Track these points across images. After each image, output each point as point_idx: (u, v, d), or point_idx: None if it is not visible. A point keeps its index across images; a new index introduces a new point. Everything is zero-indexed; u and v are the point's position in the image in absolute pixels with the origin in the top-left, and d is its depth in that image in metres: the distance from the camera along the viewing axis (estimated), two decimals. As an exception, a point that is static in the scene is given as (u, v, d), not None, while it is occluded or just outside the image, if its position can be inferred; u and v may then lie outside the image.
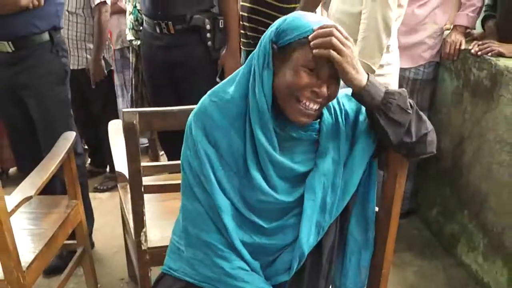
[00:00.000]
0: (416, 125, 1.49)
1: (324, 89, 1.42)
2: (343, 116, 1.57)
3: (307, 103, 1.43)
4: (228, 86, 1.54)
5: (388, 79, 2.68)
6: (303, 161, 1.54)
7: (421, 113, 1.52)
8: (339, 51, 1.38)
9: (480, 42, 2.90)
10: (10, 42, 2.76)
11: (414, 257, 3.16)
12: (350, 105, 1.59)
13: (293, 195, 1.54)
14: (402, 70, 3.18)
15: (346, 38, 1.40)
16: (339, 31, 1.40)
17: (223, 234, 1.53)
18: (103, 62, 3.77)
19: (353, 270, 1.66)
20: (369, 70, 2.45)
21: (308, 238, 1.54)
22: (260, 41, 1.49)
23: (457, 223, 3.09)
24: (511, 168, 2.56)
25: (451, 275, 2.99)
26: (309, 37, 1.40)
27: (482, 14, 3.25)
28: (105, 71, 3.80)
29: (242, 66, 1.53)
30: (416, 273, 3.01)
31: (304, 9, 3.19)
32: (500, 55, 2.76)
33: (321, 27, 1.40)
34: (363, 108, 1.53)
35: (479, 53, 2.84)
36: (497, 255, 2.69)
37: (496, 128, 2.67)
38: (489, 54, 2.80)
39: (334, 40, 1.37)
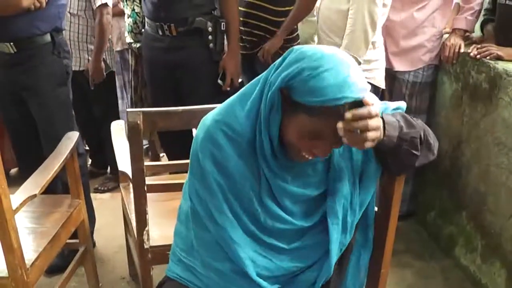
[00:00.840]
0: (422, 159, 1.50)
1: (327, 152, 1.40)
2: None
3: (311, 157, 1.41)
4: (235, 109, 1.46)
5: (375, 73, 2.88)
6: (315, 184, 1.52)
7: (430, 137, 1.51)
8: (374, 139, 1.34)
9: (479, 46, 2.93)
10: (11, 44, 2.78)
11: (412, 258, 3.18)
12: None
13: (311, 219, 1.54)
14: (401, 73, 3.22)
15: (376, 115, 1.33)
16: (374, 115, 1.32)
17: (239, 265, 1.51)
18: (103, 64, 3.79)
19: (353, 269, 1.67)
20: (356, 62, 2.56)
21: (335, 259, 1.56)
22: (269, 79, 1.39)
23: (455, 225, 3.12)
24: (509, 170, 2.58)
25: (449, 276, 3.01)
26: (339, 126, 1.31)
27: (481, 18, 3.27)
28: (104, 74, 3.82)
29: (254, 85, 1.44)
30: (414, 274, 3.04)
31: (297, 14, 3.25)
32: (499, 58, 2.78)
33: (356, 115, 1.30)
34: None
35: (478, 56, 2.86)
36: (495, 256, 2.72)
37: (494, 131, 2.70)
38: (488, 57, 2.82)
39: (369, 135, 1.32)
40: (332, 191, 1.52)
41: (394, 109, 1.56)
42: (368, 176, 1.55)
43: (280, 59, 1.38)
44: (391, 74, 3.23)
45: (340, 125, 1.31)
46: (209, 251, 1.53)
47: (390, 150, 1.44)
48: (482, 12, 3.27)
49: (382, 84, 2.96)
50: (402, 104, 1.59)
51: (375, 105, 1.35)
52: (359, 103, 1.30)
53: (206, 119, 1.50)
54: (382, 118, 1.40)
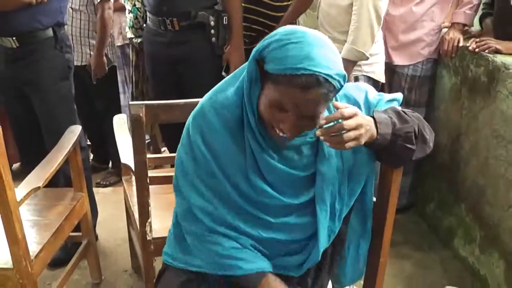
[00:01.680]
0: (418, 153, 1.53)
1: (292, 130, 1.41)
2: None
3: (280, 133, 1.43)
4: (229, 88, 1.53)
5: (374, 67, 2.93)
6: (302, 166, 1.54)
7: (425, 131, 1.54)
8: (354, 138, 1.38)
9: (477, 39, 2.95)
10: (14, 38, 2.80)
11: (411, 250, 3.21)
12: None
13: (299, 199, 1.56)
14: (401, 67, 3.25)
15: (353, 115, 1.38)
16: (347, 116, 1.36)
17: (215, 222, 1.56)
18: (105, 58, 3.81)
19: (352, 259, 1.70)
20: (363, 57, 2.72)
21: (324, 245, 1.59)
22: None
23: (454, 217, 3.15)
24: (508, 162, 2.61)
25: (448, 268, 3.04)
26: (317, 134, 1.39)
27: (479, 12, 3.29)
28: (106, 68, 3.85)
29: (245, 65, 1.50)
30: (414, 266, 3.06)
31: (296, 8, 3.27)
32: (497, 52, 2.81)
33: (329, 120, 1.37)
34: (363, 111, 1.54)
35: (476, 50, 2.88)
36: (493, 247, 2.75)
37: (493, 123, 2.72)
38: (487, 51, 2.84)
39: (347, 136, 1.36)
40: (320, 176, 1.54)
41: (389, 101, 1.58)
42: (358, 166, 1.57)
43: None
44: (390, 68, 3.26)
45: (318, 132, 1.38)
46: (187, 218, 1.60)
47: (385, 148, 1.47)
48: (481, 6, 3.29)
49: (382, 78, 2.99)
50: (398, 96, 1.62)
51: (350, 108, 1.39)
52: (321, 81, 1.31)
53: (203, 98, 1.58)
54: (374, 117, 1.44)
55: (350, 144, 1.38)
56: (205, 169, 1.52)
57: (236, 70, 1.58)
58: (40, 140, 3.01)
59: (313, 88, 1.31)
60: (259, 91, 1.42)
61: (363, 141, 1.40)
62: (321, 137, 1.40)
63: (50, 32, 2.87)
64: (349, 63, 2.72)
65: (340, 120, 1.37)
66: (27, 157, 3.17)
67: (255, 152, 1.49)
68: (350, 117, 1.37)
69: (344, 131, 1.36)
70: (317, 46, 1.33)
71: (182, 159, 1.57)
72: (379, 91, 1.73)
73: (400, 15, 3.18)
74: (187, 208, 1.58)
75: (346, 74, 1.38)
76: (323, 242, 1.57)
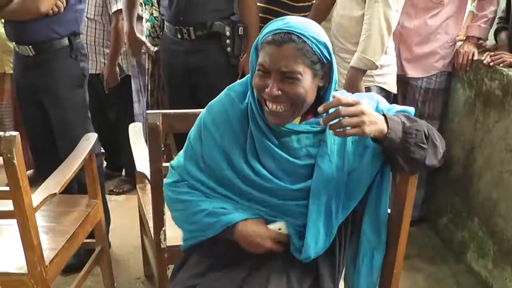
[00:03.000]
0: (431, 157, 1.54)
1: (273, 90, 1.48)
2: None
3: (269, 104, 1.51)
4: (242, 87, 1.68)
5: (387, 78, 2.92)
6: (301, 155, 1.59)
7: (435, 137, 1.56)
8: (355, 124, 1.41)
9: (492, 53, 2.96)
10: (30, 47, 2.84)
11: (424, 263, 3.20)
12: None
13: (296, 185, 1.59)
14: (415, 79, 3.25)
15: (353, 103, 1.42)
16: (344, 103, 1.41)
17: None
18: (117, 68, 3.85)
19: (366, 270, 1.70)
20: (373, 66, 2.71)
21: (316, 243, 1.60)
22: None
23: (467, 230, 3.14)
24: (521, 176, 2.61)
25: (460, 281, 3.03)
26: (322, 123, 1.48)
27: (494, 26, 3.30)
28: (119, 78, 3.88)
29: None
30: (426, 279, 3.06)
31: (314, 18, 3.28)
32: (512, 66, 2.82)
33: (326, 106, 1.44)
34: None
35: (491, 63, 2.89)
36: (506, 261, 2.74)
37: (507, 137, 2.72)
38: (501, 65, 2.85)
39: (345, 120, 1.40)
40: (318, 170, 1.57)
41: (399, 111, 1.60)
42: (361, 170, 1.58)
43: None
44: (404, 80, 3.26)
45: (320, 109, 1.45)
46: (179, 185, 1.75)
47: (398, 146, 1.48)
48: (496, 21, 3.30)
49: (394, 89, 2.99)
50: (410, 109, 1.63)
51: (350, 96, 1.48)
52: (293, 39, 1.45)
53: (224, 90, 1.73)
54: (384, 114, 1.48)
55: (352, 131, 1.41)
56: (209, 148, 1.65)
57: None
58: (55, 147, 3.03)
59: (287, 43, 1.45)
60: None
61: (367, 130, 1.42)
62: (322, 124, 1.48)
63: (66, 41, 2.91)
64: (359, 72, 2.73)
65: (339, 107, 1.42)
66: (42, 163, 3.21)
67: (255, 137, 1.58)
68: (349, 104, 1.41)
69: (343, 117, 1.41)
70: (298, 18, 1.51)
71: (190, 138, 1.73)
72: (390, 103, 1.74)
73: (415, 27, 3.19)
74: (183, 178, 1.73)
75: (332, 49, 1.52)
76: (314, 236, 1.59)
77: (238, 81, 1.71)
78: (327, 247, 1.64)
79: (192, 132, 1.73)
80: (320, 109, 1.44)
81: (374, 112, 1.46)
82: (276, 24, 1.48)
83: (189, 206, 1.69)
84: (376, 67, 2.73)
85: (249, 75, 1.61)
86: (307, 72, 1.47)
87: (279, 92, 1.47)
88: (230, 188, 1.65)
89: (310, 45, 1.45)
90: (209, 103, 1.72)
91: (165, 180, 1.80)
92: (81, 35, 3.07)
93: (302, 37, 1.44)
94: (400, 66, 3.22)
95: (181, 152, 1.77)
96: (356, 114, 1.40)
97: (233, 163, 1.61)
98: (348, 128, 1.41)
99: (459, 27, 3.27)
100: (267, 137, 1.57)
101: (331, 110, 1.43)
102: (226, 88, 1.71)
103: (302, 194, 1.59)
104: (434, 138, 1.55)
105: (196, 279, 1.69)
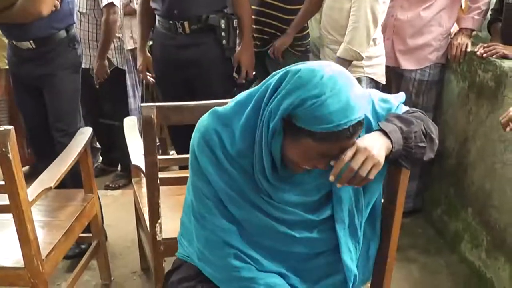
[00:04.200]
0: (429, 151, 1.55)
1: (322, 167, 1.43)
2: None
3: (305, 167, 1.44)
4: (235, 118, 1.48)
5: (376, 69, 3.04)
6: (314, 189, 1.56)
7: (430, 130, 1.56)
8: (371, 167, 1.39)
9: (485, 45, 2.97)
10: (31, 41, 2.92)
11: (418, 254, 3.22)
12: None
13: (319, 216, 1.57)
14: (408, 71, 3.27)
15: (356, 152, 1.39)
16: (348, 159, 1.38)
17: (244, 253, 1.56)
18: (106, 62, 3.85)
19: (362, 260, 1.70)
20: (359, 57, 2.86)
21: (352, 259, 1.63)
22: (268, 105, 1.39)
23: (461, 221, 3.16)
24: (514, 166, 2.63)
25: (454, 272, 3.05)
26: (331, 178, 1.41)
27: (488, 18, 3.31)
28: (108, 71, 3.88)
29: (252, 93, 1.48)
30: (421, 270, 3.08)
31: (306, 11, 3.32)
32: (505, 57, 2.83)
33: (336, 172, 1.39)
34: (373, 126, 1.53)
35: (484, 55, 2.90)
36: (499, 251, 2.76)
37: (499, 128, 2.71)
38: (494, 56, 2.86)
39: (362, 171, 1.38)
40: (336, 197, 1.56)
41: (389, 108, 1.59)
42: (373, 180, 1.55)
43: (276, 81, 1.38)
44: (398, 73, 3.28)
45: (338, 185, 1.42)
46: (209, 246, 1.57)
47: (401, 152, 1.49)
48: (489, 12, 3.31)
49: (382, 80, 3.09)
50: (402, 98, 1.64)
51: (350, 148, 1.39)
52: (362, 122, 1.35)
53: (204, 120, 1.54)
54: (382, 129, 1.45)
55: (373, 172, 1.40)
56: (222, 193, 1.51)
57: (238, 99, 1.52)
58: (51, 140, 3.09)
59: (358, 132, 1.36)
60: (281, 140, 1.40)
61: (382, 159, 1.41)
62: (339, 185, 1.43)
63: (64, 33, 3.01)
64: (345, 62, 2.84)
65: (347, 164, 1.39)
66: (41, 156, 3.28)
67: (266, 188, 1.49)
68: (354, 155, 1.38)
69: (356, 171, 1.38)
70: (349, 89, 1.32)
71: (196, 184, 1.55)
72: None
73: (408, 19, 3.20)
74: (208, 233, 1.56)
75: None
76: (349, 257, 1.61)
77: (225, 115, 1.50)
78: (358, 257, 1.67)
79: (193, 177, 1.56)
80: (331, 178, 1.41)
81: (370, 139, 1.43)
82: (335, 109, 1.29)
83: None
84: (361, 58, 2.85)
85: (241, 102, 1.50)
86: None
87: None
88: (255, 226, 1.56)
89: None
90: (197, 141, 1.51)
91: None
92: (74, 29, 3.11)
93: (365, 114, 1.37)
94: (394, 58, 3.24)
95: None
96: (365, 158, 1.38)
97: (252, 202, 1.52)
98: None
99: (453, 19, 3.28)
100: (279, 188, 1.50)
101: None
102: (212, 124, 1.50)
103: (325, 223, 1.59)
104: (430, 131, 1.55)
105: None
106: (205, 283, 1.63)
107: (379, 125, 1.48)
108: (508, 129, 2.36)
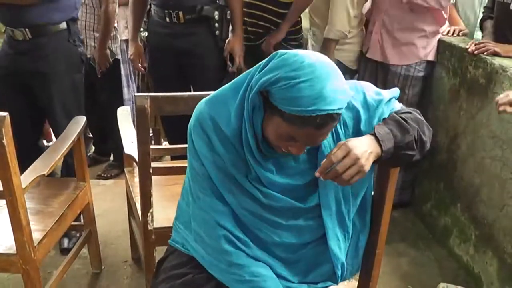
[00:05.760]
0: (418, 155, 1.56)
1: (300, 152, 1.45)
2: (341, 126, 1.57)
3: (286, 151, 1.47)
4: (228, 102, 1.52)
5: (344, 54, 3.40)
6: (300, 174, 1.58)
7: (424, 133, 1.57)
8: (356, 172, 1.40)
9: (476, 42, 3.00)
10: (27, 30, 2.83)
11: (407, 248, 3.26)
12: (347, 114, 1.57)
13: (306, 204, 1.60)
14: (395, 66, 3.27)
15: (345, 154, 1.40)
16: (335, 160, 1.39)
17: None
18: (108, 51, 3.86)
19: (351, 252, 1.72)
20: (342, 35, 3.24)
21: (339, 247, 1.64)
22: (251, 81, 1.44)
23: (450, 216, 3.20)
24: (503, 162, 2.65)
25: (443, 266, 3.09)
26: (317, 174, 1.42)
27: (480, 15, 3.34)
28: (110, 60, 3.89)
29: (245, 78, 1.50)
30: (409, 263, 3.11)
31: (298, 5, 3.39)
32: (496, 54, 2.85)
33: (322, 170, 1.41)
34: (363, 117, 1.55)
35: (475, 52, 2.92)
36: (487, 246, 2.79)
37: (490, 124, 2.77)
38: (485, 53, 2.88)
39: (346, 175, 1.39)
40: (322, 183, 1.57)
41: (388, 101, 1.61)
42: None
43: (266, 59, 1.43)
44: (384, 67, 3.30)
45: (317, 174, 1.43)
46: (201, 226, 1.61)
47: (389, 160, 1.51)
48: (482, 10, 3.34)
49: (352, 66, 3.42)
50: (396, 93, 1.65)
51: (339, 148, 1.41)
52: (334, 116, 1.35)
53: (201, 104, 1.58)
54: (375, 134, 1.46)
55: (355, 178, 1.41)
56: (214, 176, 1.55)
57: (235, 80, 1.56)
58: (38, 138, 3.09)
59: (327, 125, 1.36)
60: (262, 117, 1.44)
61: (367, 169, 1.41)
62: (322, 177, 1.43)
63: (64, 25, 2.93)
64: (331, 42, 3.26)
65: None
66: (24, 152, 3.21)
67: (255, 168, 1.53)
68: (342, 157, 1.40)
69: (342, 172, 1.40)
70: (327, 80, 1.32)
71: (193, 165, 1.59)
72: (353, 78, 1.80)
73: (397, 15, 3.20)
74: (203, 213, 1.60)
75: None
76: (336, 243, 1.63)
77: (218, 99, 1.56)
78: (347, 247, 1.68)
79: (191, 158, 1.61)
80: (316, 174, 1.43)
81: (363, 143, 1.44)
82: (306, 94, 1.31)
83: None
84: (345, 36, 3.26)
85: (235, 86, 1.54)
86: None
87: (305, 151, 1.47)
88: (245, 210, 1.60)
89: (343, 113, 1.45)
90: (193, 124, 1.57)
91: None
92: (76, 25, 3.08)
93: (341, 112, 1.37)
94: (382, 52, 3.26)
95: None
96: (352, 164, 1.39)
97: (243, 186, 1.56)
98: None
99: (441, 17, 3.27)
100: (265, 167, 1.53)
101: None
102: (206, 108, 1.55)
103: (312, 211, 1.61)
104: (424, 135, 1.56)
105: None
106: (196, 270, 1.66)
107: (374, 128, 1.48)
108: (501, 108, 2.44)
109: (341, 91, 1.34)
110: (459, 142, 3.10)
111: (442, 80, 3.30)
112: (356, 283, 1.85)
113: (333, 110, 1.32)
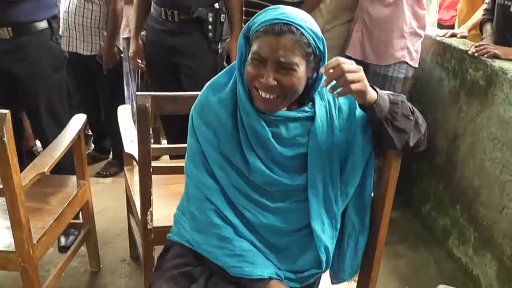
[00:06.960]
0: (414, 134, 1.58)
1: (269, 80, 1.49)
2: (336, 110, 1.62)
3: (260, 92, 1.52)
4: (223, 78, 1.67)
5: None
6: (290, 143, 1.61)
7: (416, 115, 1.60)
8: (356, 81, 1.44)
9: (476, 44, 3.00)
10: (9, 28, 2.79)
11: (406, 249, 3.26)
12: (343, 101, 1.64)
13: (293, 180, 1.61)
14: (374, 66, 3.25)
15: (353, 66, 1.46)
16: (342, 62, 1.44)
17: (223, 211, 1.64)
18: (116, 49, 3.87)
19: (350, 254, 1.73)
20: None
21: (323, 230, 1.64)
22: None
23: (449, 217, 3.20)
24: (502, 164, 2.66)
25: (442, 267, 3.09)
26: (323, 84, 1.49)
27: (480, 18, 3.35)
28: (118, 58, 3.90)
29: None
30: (408, 265, 3.11)
31: (303, 8, 3.38)
32: (496, 57, 2.85)
33: (328, 67, 1.45)
34: (357, 103, 1.59)
35: (475, 54, 2.92)
36: (486, 248, 2.80)
37: (489, 126, 2.77)
38: (485, 55, 2.88)
39: (349, 76, 1.43)
40: (311, 161, 1.60)
41: None
42: (354, 153, 1.62)
43: None
44: (364, 66, 3.26)
45: (322, 70, 1.47)
46: (192, 202, 1.68)
47: (386, 114, 1.52)
48: (482, 12, 3.34)
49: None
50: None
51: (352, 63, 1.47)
52: (293, 30, 1.46)
53: (204, 89, 1.70)
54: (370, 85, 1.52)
55: (356, 85, 1.45)
56: (207, 151, 1.63)
57: (231, 65, 1.66)
58: (20, 137, 3.05)
59: (286, 34, 1.46)
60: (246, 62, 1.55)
61: (366, 84, 1.48)
62: (325, 74, 1.47)
63: (45, 23, 2.91)
64: None
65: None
66: None
67: (247, 127, 1.58)
68: (350, 65, 1.46)
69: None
70: (293, 9, 1.52)
71: (190, 142, 1.69)
72: None
73: (376, 15, 3.18)
74: (195, 190, 1.67)
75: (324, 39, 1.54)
76: (320, 225, 1.63)
77: (219, 77, 1.70)
78: (336, 236, 1.68)
79: (189, 137, 1.71)
80: (321, 70, 1.47)
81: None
82: (273, 13, 1.49)
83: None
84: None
85: (232, 65, 1.64)
86: (302, 64, 1.49)
87: (275, 82, 1.49)
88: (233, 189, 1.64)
89: (307, 37, 1.48)
90: (194, 104, 1.69)
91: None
92: (76, 16, 3.09)
93: (300, 29, 1.46)
94: (362, 51, 3.25)
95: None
96: (355, 70, 1.45)
97: (231, 159, 1.62)
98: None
99: (419, 18, 3.21)
100: (259, 124, 1.57)
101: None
102: (207, 87, 1.69)
103: (299, 194, 1.63)
104: (417, 116, 1.60)
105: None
106: (195, 261, 1.70)
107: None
108: (473, 49, 2.71)
109: (305, 20, 1.51)
110: (458, 144, 3.10)
111: (442, 82, 3.30)
112: (355, 284, 1.85)
113: (292, 22, 1.46)
